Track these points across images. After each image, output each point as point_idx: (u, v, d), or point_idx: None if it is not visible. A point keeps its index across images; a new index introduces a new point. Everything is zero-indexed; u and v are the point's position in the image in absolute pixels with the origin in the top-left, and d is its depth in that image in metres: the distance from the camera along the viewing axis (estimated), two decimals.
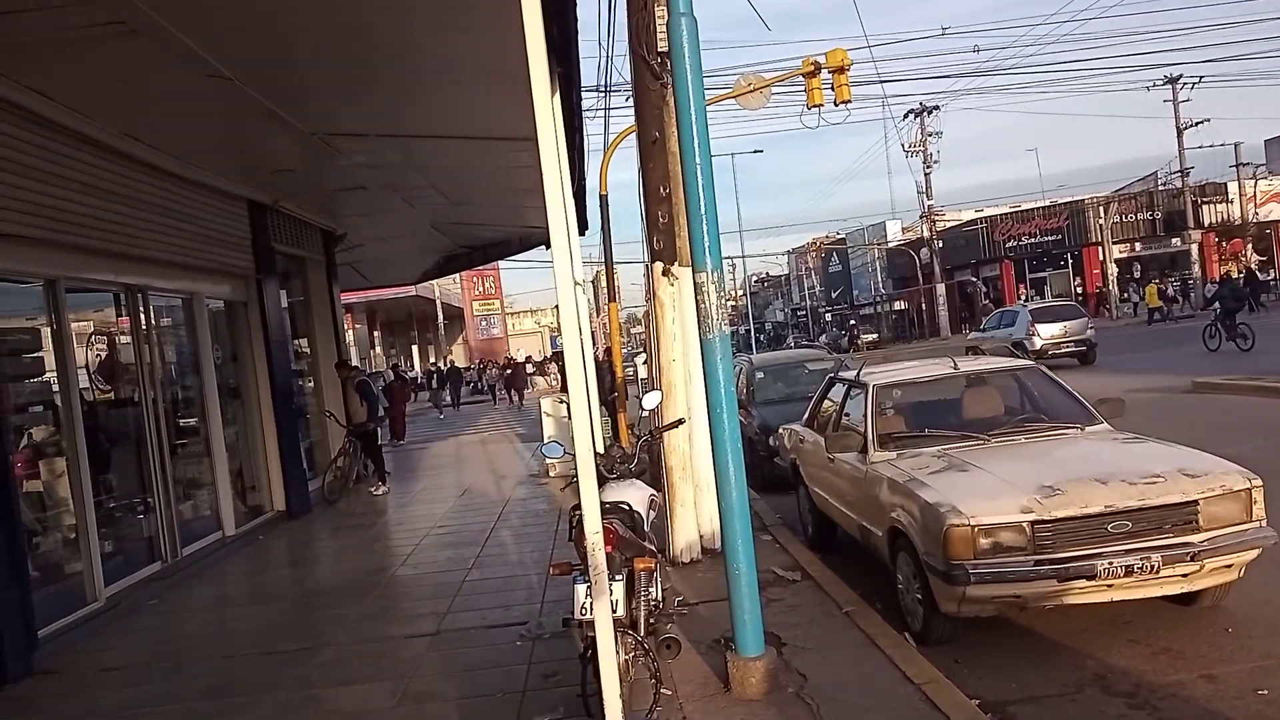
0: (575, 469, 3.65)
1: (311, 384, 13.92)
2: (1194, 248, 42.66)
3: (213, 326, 10.47)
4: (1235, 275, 30.65)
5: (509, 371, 35.20)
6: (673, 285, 7.35)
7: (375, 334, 46.27)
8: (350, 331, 35.67)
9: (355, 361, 28.72)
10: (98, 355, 8.45)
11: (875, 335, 49.67)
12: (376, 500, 12.49)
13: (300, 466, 11.85)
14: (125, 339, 8.70)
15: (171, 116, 7.74)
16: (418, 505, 11.89)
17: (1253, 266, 35.93)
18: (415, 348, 56.12)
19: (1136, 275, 44.05)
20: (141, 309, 8.77)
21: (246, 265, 10.91)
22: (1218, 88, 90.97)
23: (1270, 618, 5.07)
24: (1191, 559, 4.65)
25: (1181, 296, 33.32)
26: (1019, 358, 7.16)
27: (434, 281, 36.68)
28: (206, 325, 10.13)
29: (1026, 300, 35.79)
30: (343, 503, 12.36)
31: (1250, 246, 43.75)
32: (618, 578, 3.91)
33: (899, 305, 57.44)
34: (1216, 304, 21.13)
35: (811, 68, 15.42)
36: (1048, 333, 22.82)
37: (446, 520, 10.41)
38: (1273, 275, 40.86)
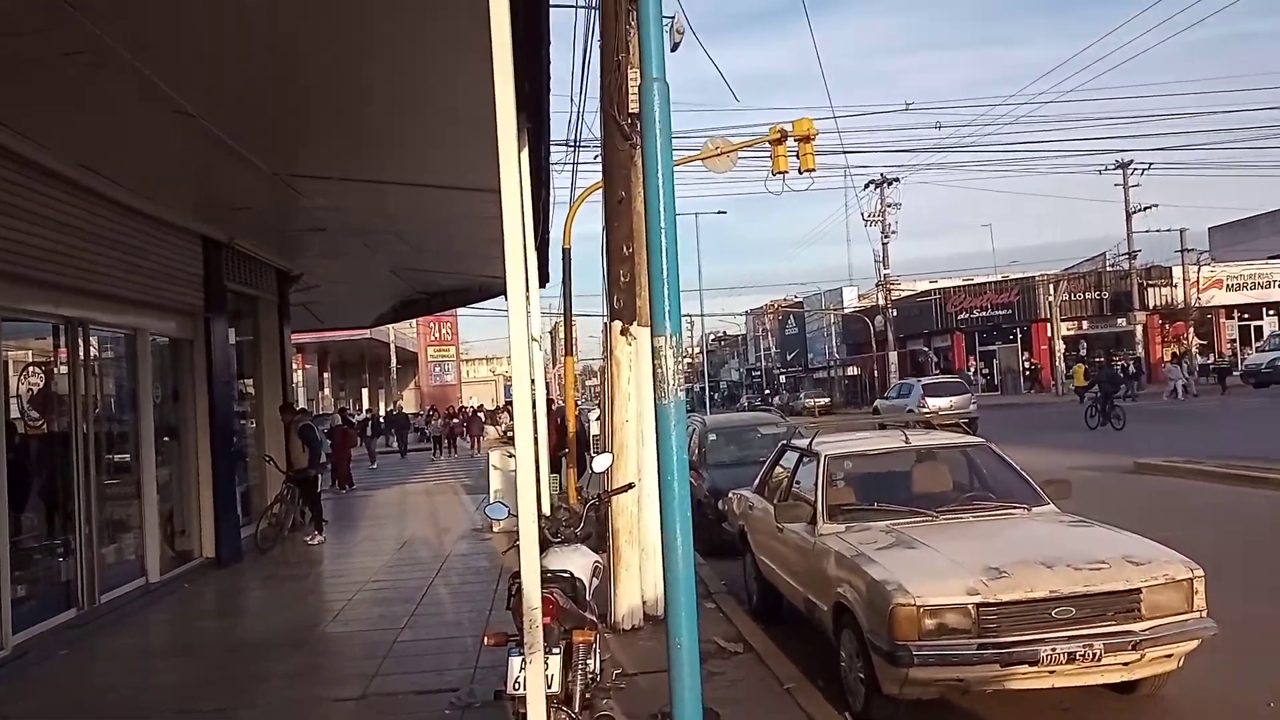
0: (518, 534, 3.53)
1: (253, 426, 13.57)
2: (1139, 329, 43.94)
3: (155, 363, 10.19)
4: (1112, 363, 33.86)
5: (455, 421, 34.26)
6: (630, 345, 7.30)
7: (325, 375, 45.61)
8: (300, 372, 35.08)
9: (303, 404, 28.22)
10: (30, 387, 8.15)
11: (827, 399, 50.10)
12: (311, 550, 12.11)
13: (234, 512, 11.47)
14: (62, 369, 8.40)
15: (131, 150, 7.61)
16: (354, 557, 11.56)
17: (1115, 365, 37.20)
18: (366, 391, 55.36)
19: (1082, 352, 45.14)
20: (81, 341, 8.49)
21: (196, 302, 10.67)
22: (1166, 175, 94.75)
23: (1208, 710, 5.06)
24: (1133, 648, 4.62)
25: (1130, 378, 34.29)
26: (970, 433, 7.19)
27: (389, 325, 36.36)
28: (149, 362, 9.85)
29: (928, 373, 39.34)
30: (276, 551, 11.96)
31: (1191, 330, 45.14)
32: (554, 650, 3.78)
33: (852, 370, 58.13)
34: (1095, 387, 23.58)
35: (778, 135, 15.66)
36: (935, 404, 25.86)
37: (383, 574, 10.11)
38: (1212, 360, 42.07)
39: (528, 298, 4.78)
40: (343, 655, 7.06)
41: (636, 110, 6.64)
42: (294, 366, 17.06)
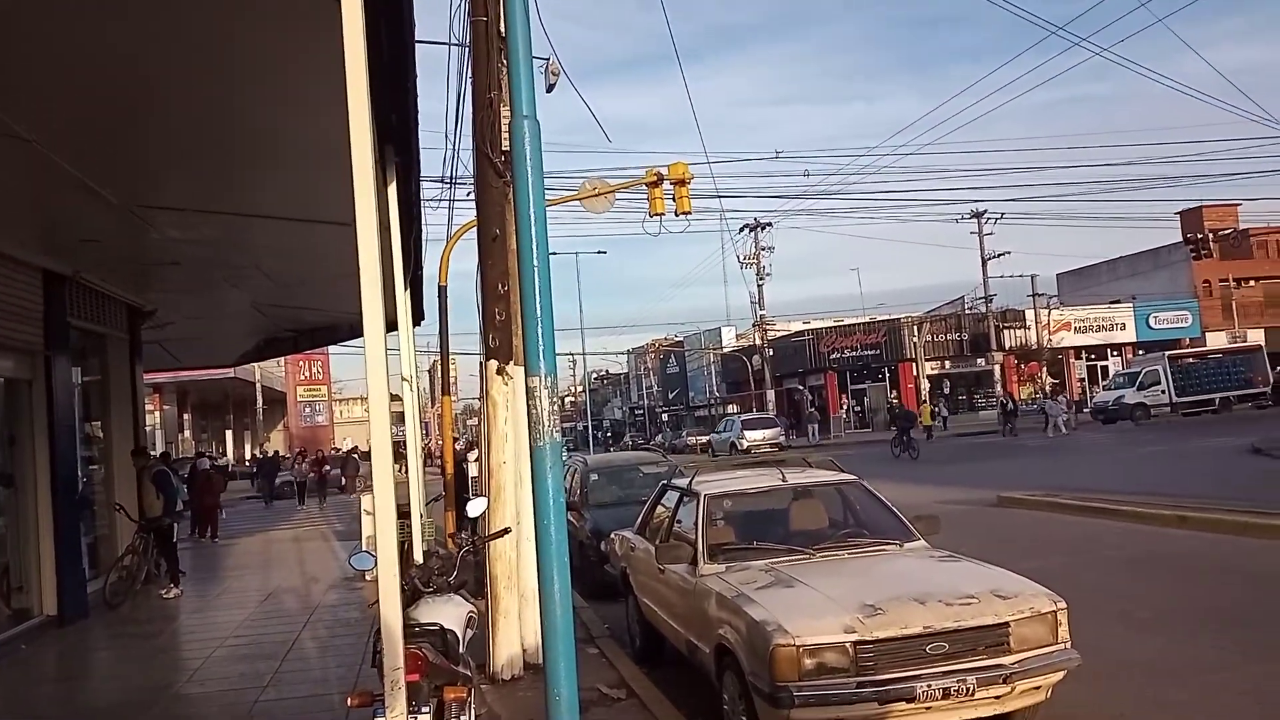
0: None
1: (102, 472, 12.65)
2: (997, 368, 46.31)
3: None
4: (900, 406, 39.34)
5: (325, 467, 30.71)
6: (507, 385, 7.14)
7: (186, 416, 43.25)
8: (156, 413, 33.17)
9: (160, 447, 26.59)
10: None
11: (708, 438, 50.69)
12: (167, 604, 11.31)
13: (79, 565, 10.61)
14: None
15: None
16: (215, 610, 10.84)
17: (937, 397, 40.99)
18: (230, 433, 52.81)
19: (945, 391, 47.27)
20: None
21: (35, 340, 9.90)
22: (1018, 224, 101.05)
23: None
24: (1004, 681, 4.72)
25: (1008, 414, 35.87)
26: (843, 471, 7.31)
27: (255, 363, 34.83)
28: None
29: (804, 411, 45.70)
30: (127, 607, 11.11)
31: (1044, 370, 47.92)
32: (425, 710, 3.57)
33: (732, 408, 59.08)
34: (894, 425, 30.53)
35: (654, 178, 15.91)
36: (752, 436, 35.24)
37: (245, 629, 9.50)
38: (1064, 397, 44.72)
39: (394, 329, 4.60)
40: (198, 718, 6.55)
41: (508, 148, 6.56)
42: (148, 408, 16.07)
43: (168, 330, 14.26)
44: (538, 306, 4.58)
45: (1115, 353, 49.79)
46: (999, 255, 45.91)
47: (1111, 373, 45.75)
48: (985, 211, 45.28)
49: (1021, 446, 29.07)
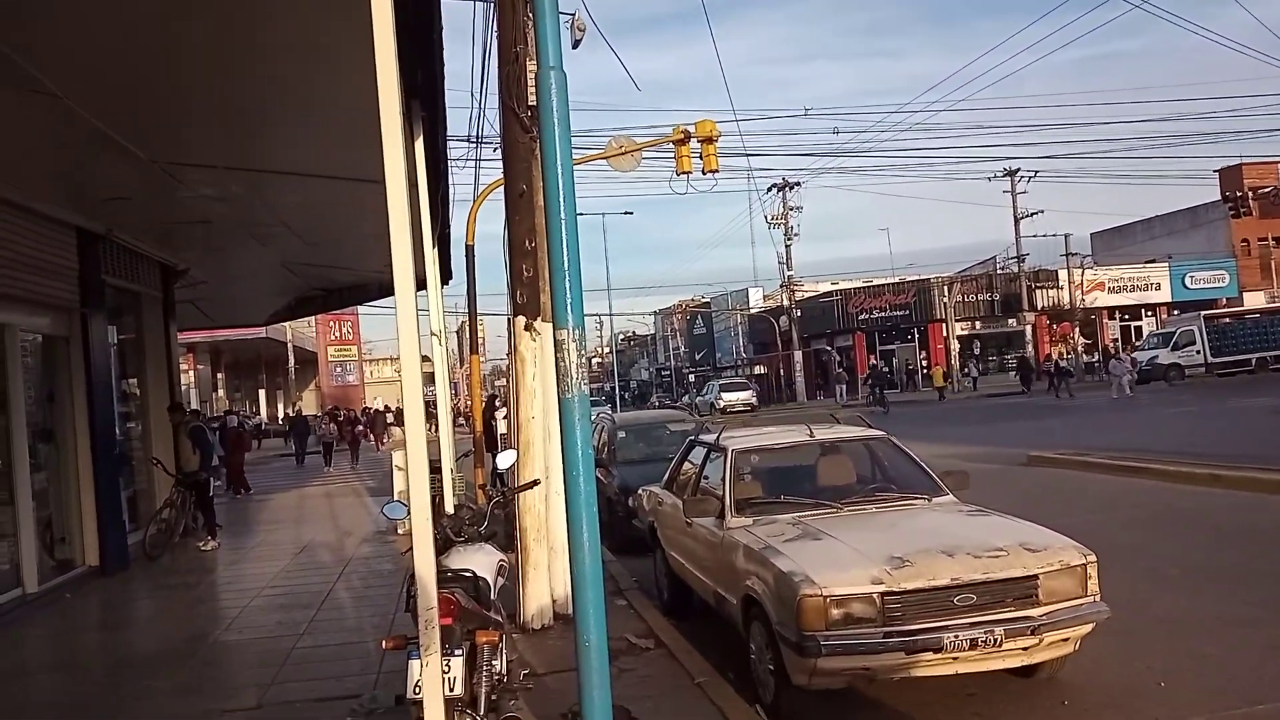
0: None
1: (139, 428, 12.89)
2: (1028, 328, 45.80)
3: (27, 361, 9.55)
4: (882, 367, 43.87)
5: (358, 427, 30.30)
6: (535, 340, 7.17)
7: (219, 376, 43.85)
8: (191, 373, 33.63)
9: (195, 405, 26.96)
10: None
11: (755, 399, 50.67)
12: (204, 556, 11.57)
13: (119, 518, 10.86)
14: None
15: None
16: (250, 563, 11.08)
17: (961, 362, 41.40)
18: (263, 392, 53.50)
19: (976, 351, 46.83)
20: None
21: (71, 297, 10.05)
22: (1052, 182, 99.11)
23: (1103, 690, 5.22)
24: (1032, 633, 4.73)
25: (1061, 375, 34.38)
26: (871, 427, 7.30)
27: (286, 323, 35.15)
28: (18, 360, 9.22)
29: (831, 372, 47.71)
30: (166, 559, 11.38)
31: (1077, 330, 47.32)
32: (457, 652, 3.64)
33: (759, 369, 59.00)
34: (871, 380, 37.38)
35: (681, 135, 15.78)
36: (728, 398, 40.93)
37: (281, 580, 9.70)
38: (1097, 357, 44.18)
39: (423, 287, 4.63)
40: (236, 665, 6.73)
41: (535, 102, 6.52)
42: (183, 366, 16.32)
43: (200, 289, 14.43)
44: (565, 259, 4.58)
45: (1150, 313, 49.05)
46: (1031, 214, 45.15)
47: (1145, 333, 45.09)
48: (1018, 170, 44.54)
49: (1053, 407, 28.82)
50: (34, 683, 6.86)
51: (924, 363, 47.08)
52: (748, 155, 41.08)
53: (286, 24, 5.59)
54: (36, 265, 9.24)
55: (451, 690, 3.49)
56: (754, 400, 41.89)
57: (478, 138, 17.79)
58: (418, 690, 3.49)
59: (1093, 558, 4.97)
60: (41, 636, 8.19)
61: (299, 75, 6.32)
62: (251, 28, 5.59)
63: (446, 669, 3.43)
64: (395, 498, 11.98)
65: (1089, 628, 4.92)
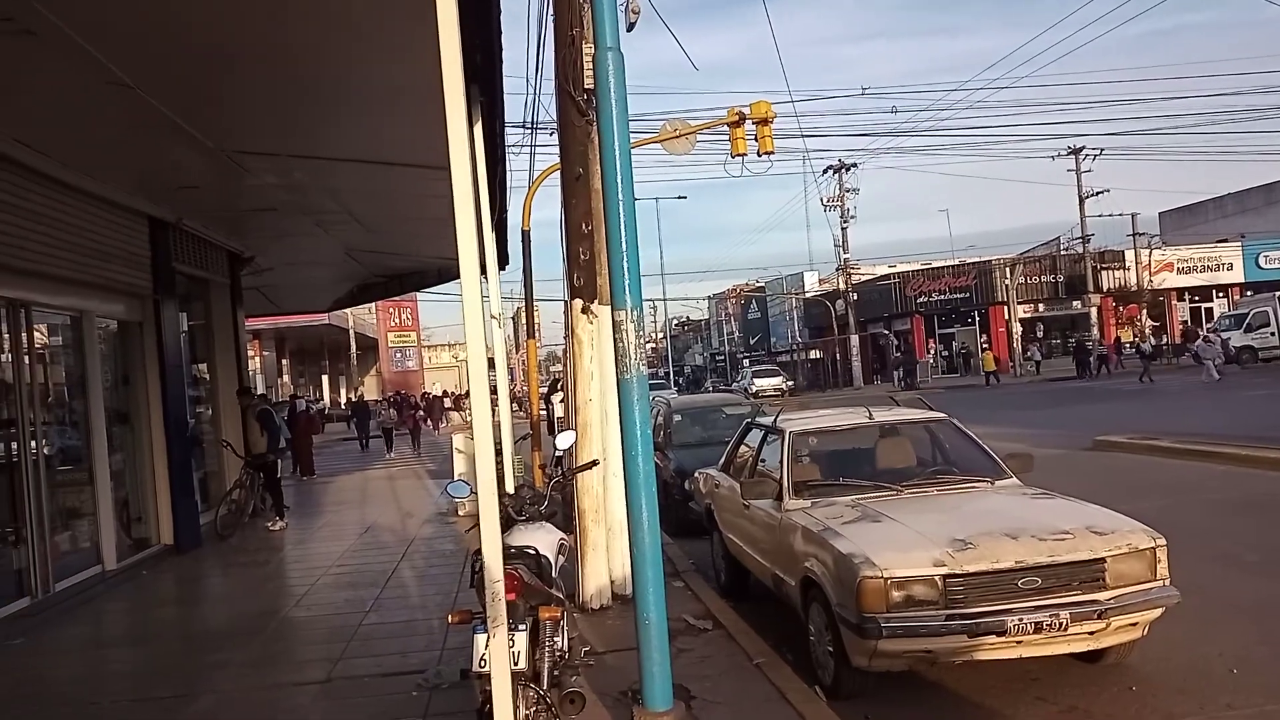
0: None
1: (209, 411, 13.28)
2: (1093, 311, 44.61)
3: (103, 347, 9.90)
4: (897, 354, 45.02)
5: (418, 412, 29.93)
6: (592, 323, 7.22)
7: (284, 362, 44.90)
8: (257, 359, 34.50)
9: (261, 390, 27.63)
10: None
11: (790, 383, 50.36)
12: (273, 536, 11.90)
13: (192, 498, 11.23)
14: (6, 356, 8.13)
15: (65, 123, 7.31)
16: (316, 543, 11.37)
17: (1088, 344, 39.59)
18: (326, 378, 54.63)
19: (1039, 335, 45.80)
20: (24, 326, 8.21)
21: (144, 284, 10.38)
22: (1118, 159, 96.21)
23: (1173, 675, 5.11)
24: (1098, 616, 4.65)
25: (1145, 358, 32.84)
26: (931, 409, 7.21)
27: (348, 310, 35.81)
28: (96, 345, 9.56)
29: (889, 357, 47.09)
30: (236, 538, 11.74)
31: (1144, 312, 45.99)
32: (521, 627, 3.70)
33: (814, 354, 58.47)
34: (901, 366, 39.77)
35: (736, 117, 15.61)
36: (760, 384, 42.89)
37: (346, 559, 9.95)
38: (1165, 340, 42.91)
39: (483, 272, 4.69)
40: (306, 640, 6.93)
41: (592, 85, 6.54)
42: (250, 353, 16.76)
43: (266, 276, 14.79)
44: (623, 240, 4.61)
45: (1221, 294, 47.36)
46: (1097, 193, 43.85)
47: (1217, 315, 43.62)
48: (1083, 148, 43.29)
49: (1116, 390, 28.09)
50: (116, 654, 7.15)
51: (984, 346, 46.22)
52: (804, 136, 40.77)
53: (346, 14, 5.68)
54: (112, 253, 9.56)
55: (516, 664, 3.55)
56: (784, 385, 43.81)
57: (533, 123, 17.86)
58: (483, 663, 3.55)
59: (1162, 541, 4.86)
60: (121, 611, 8.52)
61: (360, 63, 6.42)
62: (314, 17, 5.70)
63: (511, 643, 3.49)
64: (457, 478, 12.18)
65: (1158, 612, 4.82)
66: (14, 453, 7.93)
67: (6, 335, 8.09)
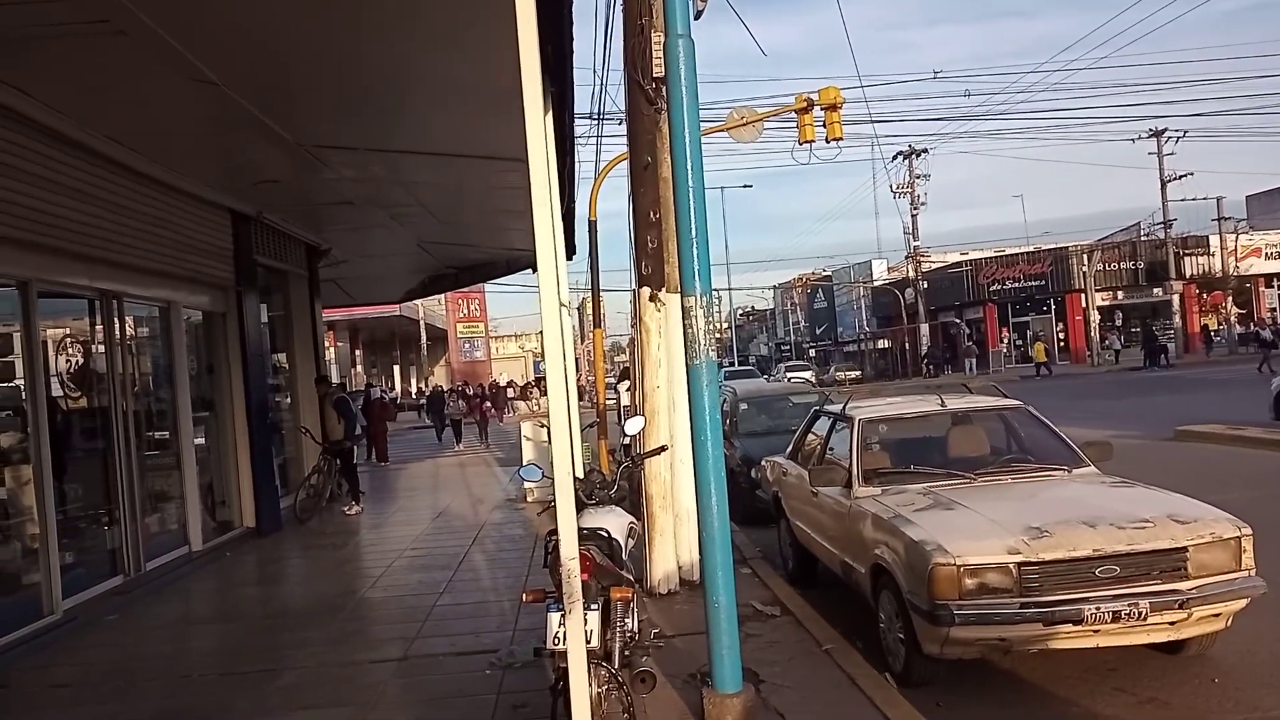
0: (553, 493, 3.52)
1: (288, 400, 13.70)
2: (1175, 298, 43.10)
3: (189, 337, 10.29)
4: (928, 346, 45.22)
5: (485, 403, 29.04)
6: (659, 311, 7.27)
7: (357, 353, 45.98)
8: (332, 350, 35.34)
9: (336, 380, 28.25)
10: (70, 362, 8.26)
11: (858, 372, 49.76)
12: (349, 520, 12.25)
13: (273, 483, 11.61)
14: (100, 347, 8.51)
15: (154, 120, 7.61)
16: (391, 527, 11.67)
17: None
18: (397, 368, 55.75)
19: (1118, 323, 44.42)
20: (116, 316, 8.59)
21: (227, 276, 10.75)
22: (1202, 141, 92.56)
23: (1257, 669, 4.97)
24: (1180, 606, 4.55)
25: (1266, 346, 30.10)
26: (1005, 396, 7.09)
27: (418, 302, 36.49)
28: (183, 335, 9.95)
29: (960, 346, 46.34)
30: (314, 522, 12.11)
31: (1230, 299, 44.25)
32: (593, 607, 3.76)
33: (883, 344, 57.65)
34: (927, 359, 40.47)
35: (804, 104, 15.48)
36: (791, 376, 40.10)
37: (420, 543, 10.20)
38: (1251, 327, 41.22)
39: (557, 257, 4.76)
40: (382, 620, 7.13)
41: (661, 74, 6.57)
42: (325, 343, 17.20)
43: (341, 268, 15.16)
44: (693, 227, 4.64)
45: None
46: (1180, 177, 42.25)
47: None
48: (1165, 130, 41.78)
49: (1201, 380, 27.11)
50: (203, 630, 7.46)
51: (1060, 335, 44.98)
52: (873, 121, 40.07)
53: (424, 10, 5.80)
54: (197, 246, 9.93)
55: (589, 643, 3.62)
56: (813, 379, 45.21)
57: (600, 113, 17.99)
58: (557, 641, 3.63)
59: (1248, 530, 4.73)
60: (207, 590, 8.87)
61: (436, 58, 6.54)
62: (390, 13, 5.83)
63: (584, 621, 3.56)
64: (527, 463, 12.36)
65: (1243, 603, 4.70)
66: (108, 438, 8.31)
67: (100, 326, 8.47)
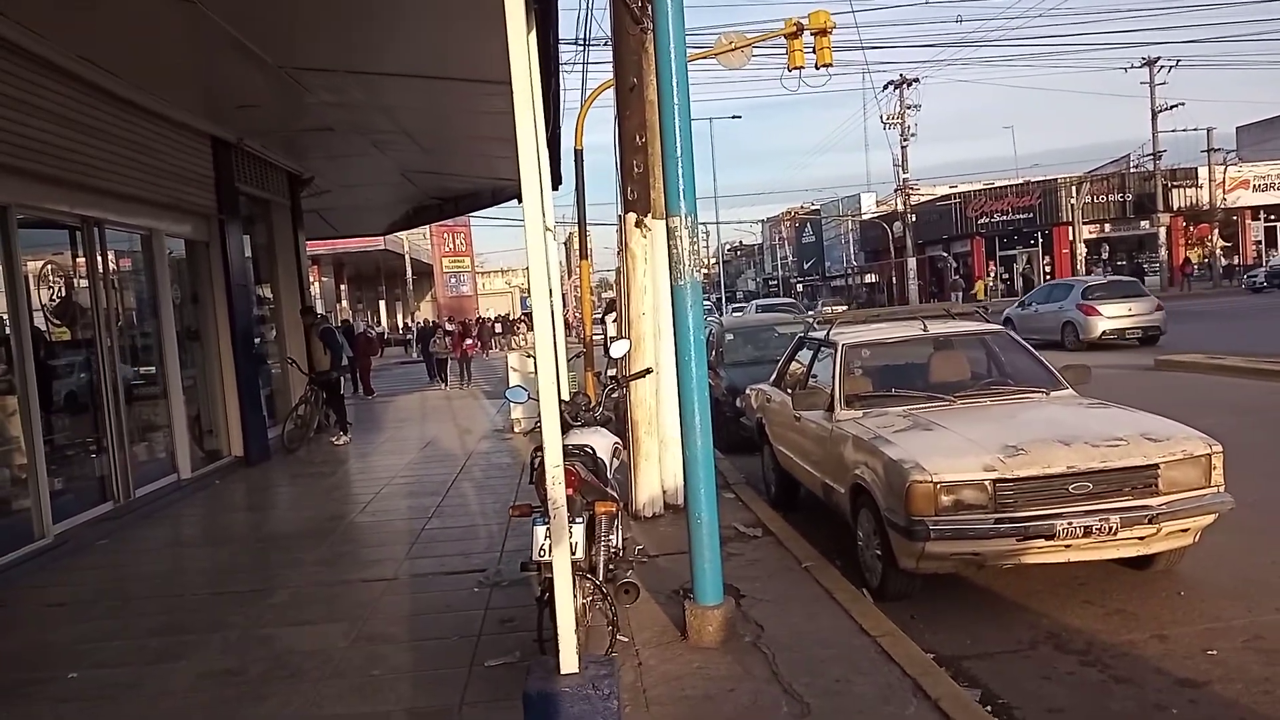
0: (539, 416, 3.56)
1: (274, 331, 13.66)
2: (1162, 231, 43.10)
3: (173, 266, 10.21)
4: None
5: (469, 341, 26.94)
6: (645, 237, 7.25)
7: (342, 288, 45.66)
8: (316, 284, 35.08)
9: (323, 312, 28.06)
10: (53, 294, 8.21)
11: (845, 306, 49.87)
12: (337, 450, 12.34)
13: (260, 413, 11.65)
14: (83, 281, 8.45)
15: (130, 41, 7.45)
16: (379, 456, 11.77)
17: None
18: (383, 303, 55.47)
19: (1105, 255, 44.48)
20: (99, 245, 8.51)
21: (209, 204, 10.63)
22: (1195, 69, 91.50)
23: (1222, 582, 5.13)
24: (1149, 522, 4.68)
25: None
26: (987, 321, 7.16)
27: (403, 236, 36.15)
28: (166, 265, 9.87)
29: (946, 280, 44.29)
30: (302, 451, 12.20)
31: (1216, 232, 44.32)
32: (578, 520, 3.85)
33: (870, 278, 57.69)
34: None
35: (794, 29, 15.24)
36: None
37: (408, 471, 10.30)
38: (1237, 261, 41.41)
39: (541, 179, 4.73)
40: (371, 543, 7.24)
41: None
42: (310, 275, 17.07)
43: (324, 199, 15.00)
44: (678, 145, 4.62)
45: None
46: (1171, 107, 41.84)
47: None
48: (1158, 58, 41.31)
49: (1201, 311, 27.26)
50: (194, 553, 7.57)
51: (1046, 268, 45.06)
52: (864, 48, 39.30)
53: None
54: (179, 173, 9.79)
55: (573, 554, 3.71)
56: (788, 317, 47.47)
57: (585, 38, 17.62)
58: (543, 553, 3.73)
59: (1218, 448, 4.84)
60: (197, 516, 8.97)
61: None
62: None
63: (569, 534, 3.64)
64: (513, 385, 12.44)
65: (1211, 518, 4.83)
66: (94, 369, 8.30)
67: (83, 257, 8.38)
